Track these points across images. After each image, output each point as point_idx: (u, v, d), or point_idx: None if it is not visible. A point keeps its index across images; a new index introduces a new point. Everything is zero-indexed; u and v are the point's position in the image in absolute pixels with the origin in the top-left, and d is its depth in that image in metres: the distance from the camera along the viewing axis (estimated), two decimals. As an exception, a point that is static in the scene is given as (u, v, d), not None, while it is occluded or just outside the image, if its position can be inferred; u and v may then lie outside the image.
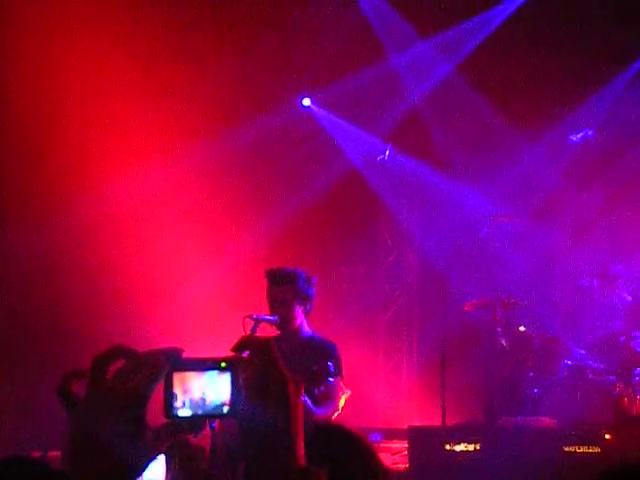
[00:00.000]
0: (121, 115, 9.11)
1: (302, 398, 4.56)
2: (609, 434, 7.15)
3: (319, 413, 5.54)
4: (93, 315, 8.70)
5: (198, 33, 9.40)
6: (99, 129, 9.01)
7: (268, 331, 5.97)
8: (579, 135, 9.55)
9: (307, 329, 6.01)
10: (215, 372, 1.41)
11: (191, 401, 1.41)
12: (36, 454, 7.52)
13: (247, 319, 5.91)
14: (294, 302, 5.90)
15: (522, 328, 8.30)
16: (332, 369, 5.55)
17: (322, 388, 5.53)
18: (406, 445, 7.90)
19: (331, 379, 5.52)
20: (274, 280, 5.94)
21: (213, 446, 5.64)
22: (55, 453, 7.51)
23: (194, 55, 9.42)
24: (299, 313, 5.95)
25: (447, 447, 7.40)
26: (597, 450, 7.06)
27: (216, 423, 5.37)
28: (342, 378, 5.80)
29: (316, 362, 5.59)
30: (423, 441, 7.59)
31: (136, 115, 9.19)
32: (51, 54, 8.80)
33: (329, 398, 5.64)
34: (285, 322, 5.94)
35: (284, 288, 5.89)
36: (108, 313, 8.76)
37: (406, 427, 8.09)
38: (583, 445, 7.08)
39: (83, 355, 1.44)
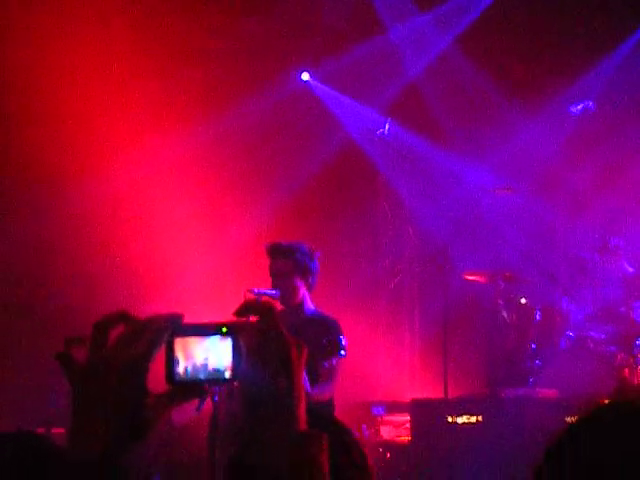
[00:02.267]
0: (118, 96, 9.08)
1: (306, 385, 4.53)
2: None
3: (317, 392, 5.54)
4: (93, 294, 8.71)
5: (193, 10, 9.35)
6: (95, 111, 8.98)
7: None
8: (579, 107, 9.51)
9: (310, 305, 6.01)
10: (217, 337, 1.41)
11: (194, 366, 1.41)
12: (40, 430, 7.56)
13: (248, 293, 5.92)
14: (294, 275, 5.90)
15: (523, 300, 8.30)
16: (342, 342, 5.55)
17: (333, 361, 5.51)
18: (408, 418, 7.93)
19: (342, 352, 5.51)
20: (273, 253, 5.96)
21: (214, 420, 5.64)
22: (58, 430, 7.55)
23: (190, 32, 9.37)
24: (301, 287, 5.95)
25: (449, 419, 7.42)
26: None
27: (217, 397, 5.39)
28: (345, 357, 5.79)
29: (324, 336, 5.59)
30: (425, 413, 7.61)
31: (134, 95, 9.16)
32: (46, 42, 8.76)
33: (332, 375, 5.64)
34: (286, 296, 5.94)
35: (283, 261, 5.90)
36: (109, 293, 8.75)
37: (408, 400, 8.11)
38: (585, 415, 7.10)
39: (84, 332, 1.44)
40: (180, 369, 1.42)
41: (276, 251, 5.95)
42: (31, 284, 8.93)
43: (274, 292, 5.97)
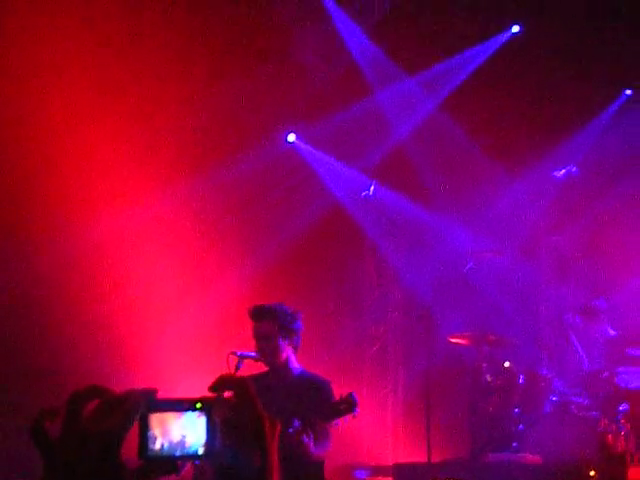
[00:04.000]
0: (103, 149, 9.10)
1: (304, 439, 4.50)
2: (594, 471, 7.14)
3: (320, 452, 5.51)
4: (70, 351, 8.64)
5: (186, 68, 9.42)
6: (78, 164, 8.99)
7: (254, 368, 5.95)
8: (562, 171, 9.60)
9: (296, 365, 5.99)
10: (193, 413, 1.41)
11: (170, 443, 1.41)
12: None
13: (231, 355, 5.90)
14: (277, 336, 5.90)
15: (507, 364, 8.29)
16: (354, 404, 5.51)
17: (338, 422, 5.48)
18: (391, 482, 7.88)
19: (355, 413, 5.47)
20: (255, 316, 5.96)
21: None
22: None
23: (179, 89, 9.44)
24: (284, 347, 5.94)
25: (433, 484, 7.37)
26: (582, 486, 7.05)
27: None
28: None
29: (318, 396, 5.57)
30: (409, 478, 7.56)
31: (120, 147, 9.18)
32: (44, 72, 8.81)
33: (328, 432, 5.61)
34: (271, 357, 5.92)
35: (265, 323, 5.90)
36: (86, 348, 8.69)
37: (392, 463, 8.06)
38: (568, 481, 7.07)
39: (58, 392, 1.43)
40: (157, 445, 1.42)
41: (258, 313, 5.96)
42: (7, 340, 8.85)
43: (255, 354, 5.96)
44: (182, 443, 1.42)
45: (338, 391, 5.85)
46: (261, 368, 6.00)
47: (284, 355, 5.94)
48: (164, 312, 9.21)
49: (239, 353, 5.93)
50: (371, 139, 10.31)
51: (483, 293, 9.54)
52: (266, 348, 5.91)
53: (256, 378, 5.97)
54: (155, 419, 1.42)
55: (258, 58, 9.83)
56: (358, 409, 5.45)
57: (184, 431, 1.42)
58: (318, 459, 5.49)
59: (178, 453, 1.42)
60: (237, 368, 5.87)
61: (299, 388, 5.76)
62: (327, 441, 5.59)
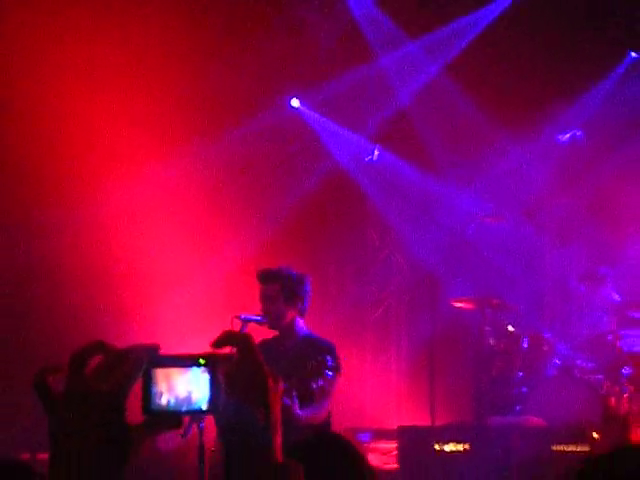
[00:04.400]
0: (111, 120, 9.10)
1: (286, 401, 4.54)
2: (597, 433, 7.18)
3: (307, 414, 5.53)
4: (80, 317, 8.69)
5: (190, 35, 9.37)
6: (88, 135, 9.01)
7: (258, 331, 5.97)
8: (567, 135, 9.57)
9: (302, 327, 6.01)
10: (197, 369, 1.42)
11: (176, 398, 1.41)
12: (25, 456, 7.52)
13: (235, 319, 5.92)
14: (280, 299, 5.93)
15: (510, 328, 8.31)
16: (330, 362, 5.57)
17: (320, 382, 5.53)
18: (395, 445, 7.92)
19: (329, 372, 5.52)
20: (261, 278, 6.01)
21: (201, 447, 5.63)
22: (44, 455, 7.51)
23: (183, 57, 9.41)
24: (288, 310, 5.97)
25: (436, 447, 7.41)
26: (585, 449, 7.09)
27: (203, 423, 5.38)
28: (340, 375, 5.80)
29: (313, 358, 5.62)
30: (412, 441, 7.60)
31: (126, 119, 9.18)
32: (46, 55, 8.79)
33: (323, 396, 5.64)
34: (274, 319, 5.96)
35: (270, 286, 5.95)
36: (95, 315, 8.75)
37: (395, 427, 8.10)
38: (571, 444, 7.11)
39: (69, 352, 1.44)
40: (163, 400, 1.42)
41: (264, 276, 6.01)
42: (15, 310, 8.91)
43: (261, 318, 5.99)
44: (188, 399, 1.42)
45: (342, 354, 5.88)
46: (267, 333, 6.03)
47: (288, 318, 5.96)
48: (169, 277, 9.25)
49: (243, 317, 5.95)
50: (374, 104, 10.28)
51: (486, 257, 9.54)
52: (270, 310, 5.94)
53: (265, 341, 6.01)
54: (160, 374, 1.42)
55: (262, 23, 9.79)
56: (330, 372, 5.49)
57: (190, 387, 1.42)
58: (307, 421, 5.48)
59: (184, 409, 1.42)
60: (241, 332, 5.90)
61: (301, 350, 5.80)
62: (318, 405, 5.62)
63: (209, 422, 5.47)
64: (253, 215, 9.96)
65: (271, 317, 5.96)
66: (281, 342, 5.96)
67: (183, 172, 9.54)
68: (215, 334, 1.50)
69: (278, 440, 1.46)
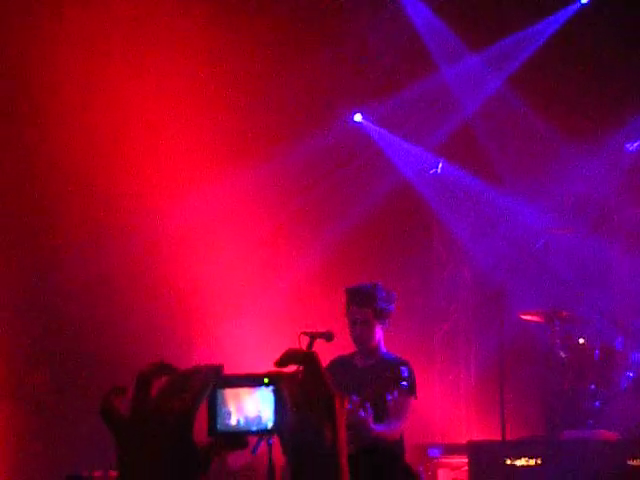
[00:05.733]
0: (175, 137, 9.20)
1: (361, 414, 4.49)
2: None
3: (383, 429, 5.48)
4: (147, 334, 8.76)
5: (255, 52, 9.43)
6: (154, 152, 9.10)
7: (325, 348, 5.95)
8: (635, 144, 9.42)
9: (383, 347, 5.95)
10: (264, 388, 1.41)
11: (246, 418, 1.41)
12: (97, 474, 7.60)
13: (302, 335, 5.90)
14: (375, 322, 5.84)
15: (582, 340, 8.18)
16: (405, 374, 5.48)
17: (395, 394, 5.42)
18: (466, 460, 7.84)
19: (404, 383, 5.43)
20: (355, 300, 5.84)
21: (270, 463, 5.63)
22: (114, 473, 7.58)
23: (248, 73, 9.46)
24: (378, 331, 5.90)
25: (508, 462, 7.32)
26: (661, 463, 6.94)
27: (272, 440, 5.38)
28: (415, 397, 5.72)
29: (390, 370, 5.54)
30: (483, 456, 7.51)
31: (192, 135, 9.27)
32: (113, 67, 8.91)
33: (400, 411, 5.57)
34: (365, 341, 5.87)
35: (364, 310, 5.81)
36: (162, 331, 8.81)
37: (465, 442, 8.02)
38: (647, 458, 6.97)
39: (135, 373, 1.43)
40: (232, 421, 1.42)
41: (358, 298, 5.85)
42: (84, 326, 9.00)
43: (328, 333, 5.95)
44: (258, 418, 1.42)
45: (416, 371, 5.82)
46: (331, 347, 5.99)
47: (377, 339, 5.90)
48: (236, 296, 9.28)
49: (311, 333, 5.93)
50: (438, 117, 10.24)
51: (555, 270, 9.42)
52: (362, 333, 5.85)
53: (343, 357, 5.96)
54: (229, 394, 1.42)
55: (324, 38, 9.82)
56: (405, 383, 5.40)
57: (258, 406, 1.42)
58: (380, 436, 5.42)
59: (254, 428, 1.42)
60: (309, 348, 5.87)
61: (380, 369, 5.72)
62: (394, 420, 5.56)
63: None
64: (317, 231, 9.97)
65: (361, 339, 5.88)
66: (362, 360, 5.88)
67: (247, 189, 9.58)
68: (282, 351, 1.49)
69: (344, 460, 1.44)
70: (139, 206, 9.02)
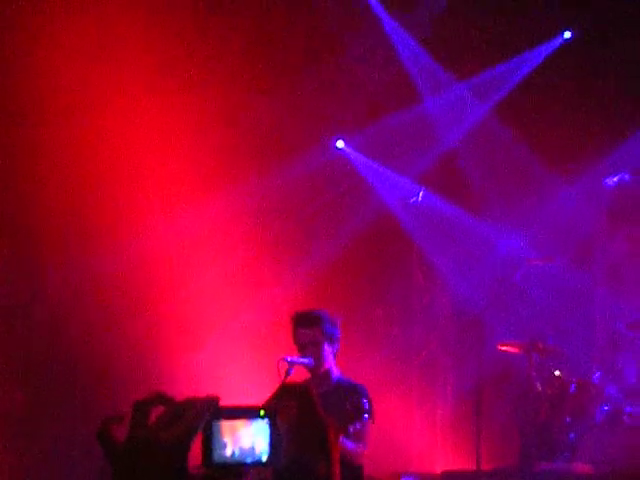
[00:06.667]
0: (155, 155, 9.18)
1: (342, 440, 4.49)
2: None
3: (354, 449, 5.50)
4: (127, 358, 8.72)
5: (236, 74, 9.46)
6: (133, 169, 9.07)
7: (302, 374, 5.95)
8: (615, 178, 9.50)
9: (336, 371, 5.99)
10: (259, 420, 1.42)
11: (241, 450, 1.42)
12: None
13: (281, 362, 5.89)
14: (324, 343, 5.89)
15: (557, 372, 8.21)
16: (366, 405, 5.51)
17: (358, 426, 5.46)
18: (440, 490, 7.83)
19: (366, 415, 5.46)
20: (302, 322, 5.94)
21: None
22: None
23: (227, 95, 9.48)
24: (328, 354, 5.94)
25: (482, 492, 7.32)
26: (635, 497, 6.97)
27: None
28: (373, 421, 5.74)
29: (348, 401, 5.56)
30: (457, 486, 7.51)
31: (177, 155, 9.26)
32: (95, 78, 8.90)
33: (361, 438, 5.60)
34: (316, 364, 5.91)
35: (312, 330, 5.89)
36: (138, 357, 8.76)
37: (440, 472, 8.01)
38: (621, 492, 6.99)
39: (116, 399, 1.43)
40: (227, 452, 1.43)
41: (306, 320, 5.94)
42: (67, 347, 8.95)
43: (308, 360, 5.95)
44: (252, 450, 1.43)
45: (386, 397, 5.84)
46: (307, 374, 5.99)
47: (328, 362, 5.93)
48: (216, 316, 9.25)
49: (289, 359, 5.92)
50: (420, 145, 10.28)
51: (534, 301, 9.46)
52: (312, 355, 5.89)
53: (295, 385, 5.96)
54: (225, 426, 1.43)
55: (308, 65, 9.86)
56: (367, 415, 5.42)
57: (254, 438, 1.43)
58: (349, 453, 5.44)
59: (249, 460, 1.43)
60: (287, 374, 5.86)
61: (336, 394, 5.75)
62: (362, 442, 5.58)
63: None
64: (297, 256, 9.97)
65: (316, 361, 5.92)
66: (315, 386, 5.91)
67: (228, 212, 9.57)
68: (262, 375, 1.50)
69: (339, 491, 1.45)
70: (121, 225, 8.99)
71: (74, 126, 8.83)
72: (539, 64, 9.94)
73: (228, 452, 1.42)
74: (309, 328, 5.91)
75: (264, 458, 1.42)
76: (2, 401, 8.77)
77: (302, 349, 5.94)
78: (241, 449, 1.42)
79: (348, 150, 10.44)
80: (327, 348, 5.92)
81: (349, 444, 5.45)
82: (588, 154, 9.71)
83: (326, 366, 5.93)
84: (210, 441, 1.43)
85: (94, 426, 1.46)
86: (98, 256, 8.93)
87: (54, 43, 8.66)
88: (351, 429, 5.42)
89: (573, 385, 8.09)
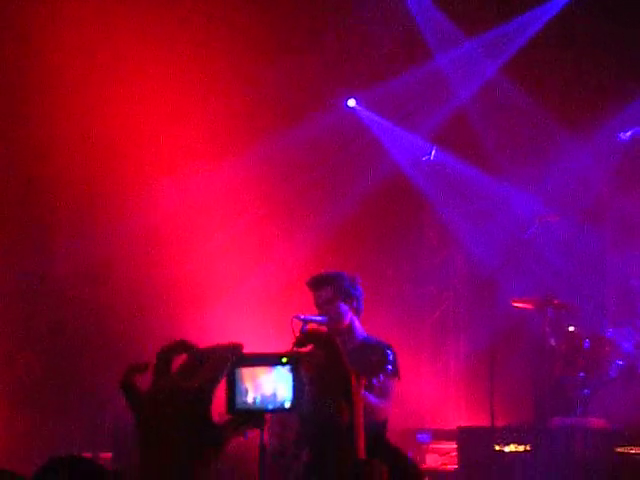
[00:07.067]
0: (165, 120, 9.17)
1: (364, 393, 4.47)
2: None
3: (377, 403, 5.51)
4: (140, 320, 8.77)
5: (246, 36, 9.41)
6: (143, 135, 9.08)
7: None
8: (628, 133, 9.44)
9: (360, 330, 5.97)
10: (282, 368, 1.42)
11: (262, 396, 1.42)
12: (87, 455, 7.61)
13: (295, 320, 5.91)
14: (337, 301, 5.89)
15: (572, 328, 8.21)
16: (390, 357, 5.50)
17: (382, 377, 5.45)
18: (455, 446, 7.88)
19: (390, 367, 5.45)
20: (313, 286, 5.96)
21: (262, 447, 5.64)
22: (105, 455, 7.59)
23: (237, 60, 9.44)
24: (346, 311, 5.93)
25: (497, 448, 7.36)
26: (650, 451, 6.99)
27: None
28: (399, 379, 5.74)
29: (373, 354, 5.56)
30: (472, 442, 7.55)
31: (180, 120, 9.25)
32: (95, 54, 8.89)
33: (385, 394, 5.60)
34: (333, 321, 5.92)
35: (323, 291, 5.90)
36: (153, 318, 8.81)
37: (455, 428, 8.05)
38: (635, 445, 7.01)
39: (130, 358, 1.44)
40: (249, 399, 1.43)
41: (316, 283, 5.95)
42: (80, 313, 9.00)
43: (321, 318, 5.95)
44: (274, 397, 1.43)
45: (400, 355, 5.84)
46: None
47: (347, 319, 5.93)
48: (226, 279, 9.28)
49: (302, 317, 5.93)
50: (432, 103, 10.23)
51: (547, 258, 9.45)
52: (329, 313, 5.91)
53: None
54: (246, 373, 1.43)
55: (319, 25, 9.80)
56: (391, 367, 5.42)
57: (275, 385, 1.43)
58: (372, 408, 5.45)
59: (270, 407, 1.43)
60: (301, 332, 5.87)
61: (362, 353, 5.74)
62: (381, 402, 5.59)
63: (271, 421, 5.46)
64: (309, 215, 9.97)
65: (331, 319, 5.93)
66: (341, 344, 5.93)
67: (239, 174, 9.57)
68: (275, 336, 1.50)
69: (361, 439, 1.46)
70: (130, 193, 9.01)
71: (83, 95, 8.83)
72: (551, 19, 9.85)
73: (249, 399, 1.42)
74: (321, 289, 5.92)
75: (287, 404, 1.42)
76: (18, 365, 8.84)
77: (319, 310, 5.95)
78: (262, 396, 1.43)
79: (359, 108, 10.40)
80: (343, 306, 5.91)
81: (372, 398, 5.45)
82: (601, 110, 9.64)
83: (345, 323, 5.92)
84: (233, 388, 1.43)
85: (117, 377, 1.46)
86: (109, 222, 8.96)
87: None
88: (375, 382, 5.41)
89: (587, 341, 8.09)
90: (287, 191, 9.86)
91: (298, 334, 5.84)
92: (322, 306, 5.91)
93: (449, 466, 8.26)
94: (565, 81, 9.69)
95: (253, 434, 5.28)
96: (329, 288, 5.88)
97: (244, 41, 9.37)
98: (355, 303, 5.95)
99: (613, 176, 9.81)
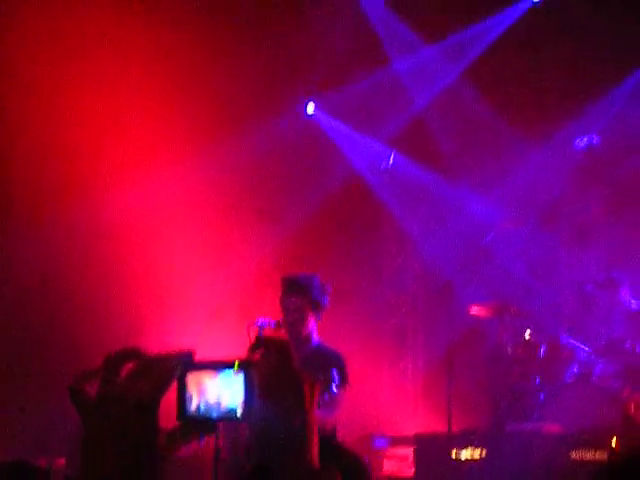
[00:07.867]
0: (124, 123, 9.12)
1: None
2: (615, 440, 7.12)
3: (324, 416, 5.50)
4: (95, 323, 8.71)
5: (202, 38, 9.38)
6: (101, 137, 9.02)
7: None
8: (584, 140, 9.52)
9: (316, 338, 5.99)
10: (230, 373, 1.40)
11: (206, 404, 1.40)
12: (42, 462, 7.52)
13: (251, 324, 5.88)
14: (308, 311, 5.88)
15: (528, 335, 8.26)
16: (336, 379, 5.51)
17: (326, 398, 5.46)
18: (412, 451, 7.88)
19: (334, 389, 5.46)
20: (290, 288, 5.92)
21: (217, 453, 5.59)
22: (61, 460, 7.52)
23: (195, 64, 9.41)
24: (311, 321, 5.94)
25: (453, 454, 7.38)
26: (604, 456, 7.03)
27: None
28: (346, 388, 5.73)
29: (321, 371, 5.56)
30: (429, 448, 7.57)
31: (140, 122, 9.19)
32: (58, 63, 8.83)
33: (332, 404, 5.61)
34: (296, 330, 5.90)
35: (295, 297, 5.87)
36: (109, 322, 8.75)
37: (412, 434, 8.06)
38: (590, 451, 7.06)
39: (86, 362, 1.41)
40: (193, 406, 1.41)
41: (291, 286, 5.92)
42: (34, 314, 8.92)
43: (275, 323, 5.94)
44: (218, 405, 1.41)
45: (358, 360, 5.84)
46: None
47: (309, 328, 5.93)
48: (184, 282, 9.24)
49: (259, 323, 5.91)
50: (390, 109, 10.26)
51: (504, 264, 9.51)
52: (295, 321, 5.88)
53: None
54: (191, 379, 1.41)
55: (277, 28, 9.79)
56: (335, 388, 5.40)
57: (220, 391, 1.40)
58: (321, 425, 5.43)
59: (215, 414, 1.41)
60: (257, 338, 5.84)
61: (314, 360, 5.74)
62: (326, 412, 5.57)
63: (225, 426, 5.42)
64: (267, 221, 9.95)
65: (294, 327, 5.90)
66: (295, 351, 5.89)
67: (199, 178, 9.54)
68: (231, 340, 1.48)
69: (315, 446, 1.44)
70: (89, 195, 8.95)
71: (37, 94, 8.76)
72: (508, 27, 9.92)
73: (194, 406, 1.40)
74: (294, 295, 5.89)
75: (233, 413, 1.40)
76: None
77: (286, 313, 5.93)
78: (206, 403, 1.40)
79: (318, 114, 10.41)
80: (311, 315, 5.91)
81: (318, 412, 5.43)
82: (557, 116, 9.72)
83: (306, 332, 5.92)
84: (182, 395, 1.41)
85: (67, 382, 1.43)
86: (71, 222, 8.90)
87: None
88: (320, 401, 5.41)
89: (543, 347, 8.14)
90: (247, 196, 9.85)
91: (253, 340, 5.80)
92: (290, 311, 5.89)
93: (407, 472, 8.26)
94: (522, 87, 9.76)
95: (210, 439, 5.23)
96: (302, 297, 5.85)
97: (203, 45, 9.34)
98: (320, 313, 5.96)
99: (568, 181, 9.89)
